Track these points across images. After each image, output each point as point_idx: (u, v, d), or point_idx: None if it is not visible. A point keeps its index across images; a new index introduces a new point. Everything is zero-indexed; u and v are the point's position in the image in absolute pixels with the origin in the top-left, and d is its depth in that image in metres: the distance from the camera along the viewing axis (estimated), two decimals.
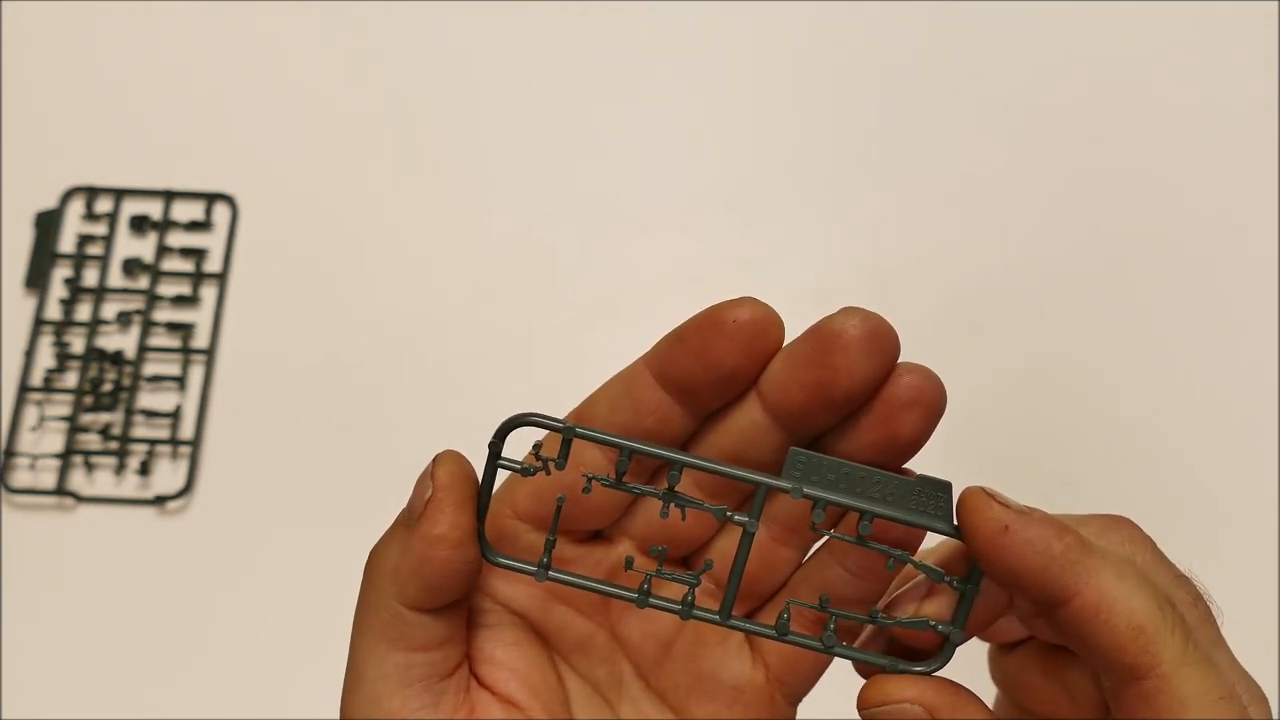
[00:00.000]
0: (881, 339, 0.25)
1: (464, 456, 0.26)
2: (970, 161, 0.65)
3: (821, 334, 0.25)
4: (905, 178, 0.65)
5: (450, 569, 0.25)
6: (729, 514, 0.26)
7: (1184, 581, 0.26)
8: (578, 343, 0.60)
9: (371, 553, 0.27)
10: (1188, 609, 0.25)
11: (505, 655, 0.28)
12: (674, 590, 0.28)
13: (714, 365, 0.26)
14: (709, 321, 0.26)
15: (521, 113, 0.66)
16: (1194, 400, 0.60)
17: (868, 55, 0.68)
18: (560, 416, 0.27)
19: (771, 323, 0.26)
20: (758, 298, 0.26)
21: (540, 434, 0.26)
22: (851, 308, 0.25)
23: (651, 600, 0.26)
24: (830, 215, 0.64)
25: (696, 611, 0.27)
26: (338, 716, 0.27)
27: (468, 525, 0.26)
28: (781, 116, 0.67)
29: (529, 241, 0.63)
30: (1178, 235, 0.63)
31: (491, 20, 0.68)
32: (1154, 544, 0.27)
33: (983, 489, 0.25)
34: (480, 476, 0.27)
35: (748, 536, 0.26)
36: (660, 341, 0.27)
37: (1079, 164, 0.65)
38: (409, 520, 0.26)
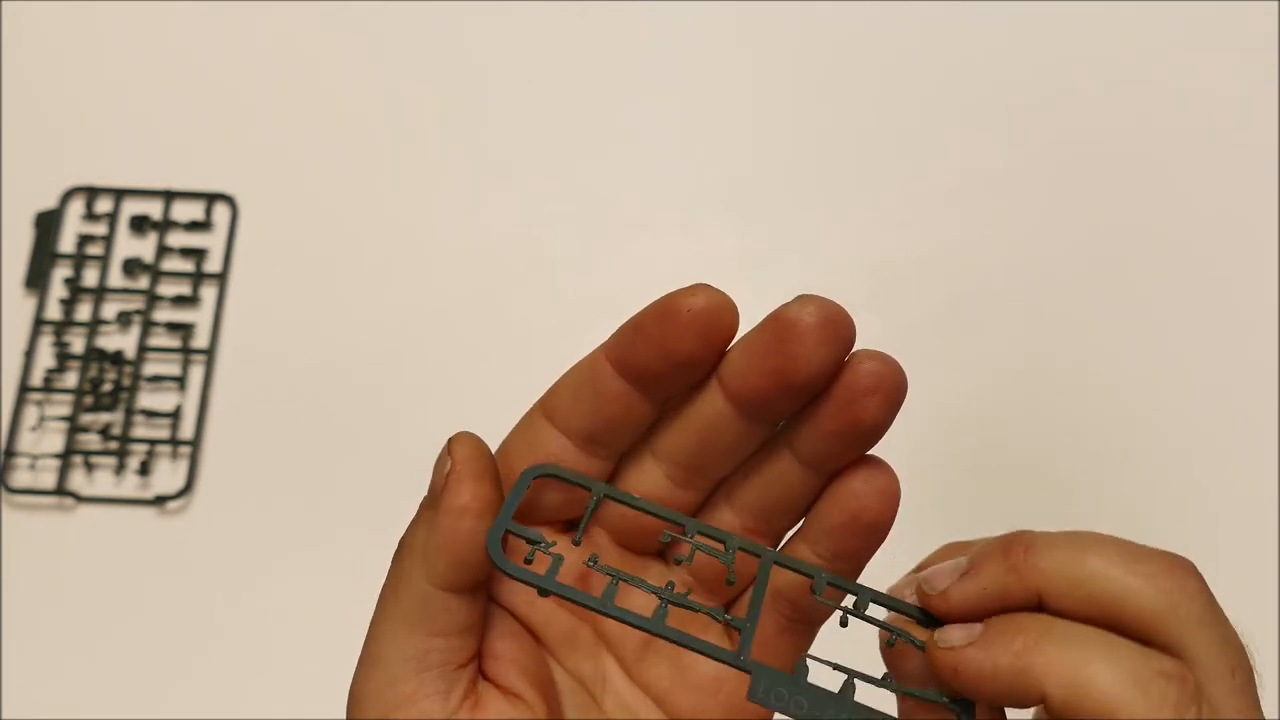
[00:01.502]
0: (837, 325, 0.25)
1: (478, 436, 0.27)
2: (970, 161, 0.65)
3: (778, 322, 0.25)
4: (905, 178, 0.65)
5: (477, 540, 0.26)
6: (726, 617, 0.26)
7: (1227, 647, 0.24)
8: (578, 343, 0.59)
9: (400, 541, 0.27)
10: (1218, 678, 0.23)
11: (505, 647, 0.28)
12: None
13: (671, 353, 0.26)
14: (664, 310, 0.26)
15: (521, 113, 0.66)
16: (1194, 400, 0.60)
17: (867, 55, 0.68)
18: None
19: (726, 309, 0.26)
20: (712, 285, 0.26)
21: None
22: (807, 295, 0.25)
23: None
24: (830, 215, 0.64)
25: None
26: (344, 710, 0.27)
27: (489, 495, 0.26)
28: (781, 116, 0.67)
29: (529, 241, 0.63)
30: (1178, 235, 0.63)
31: (491, 20, 0.68)
32: (1209, 597, 0.24)
33: (920, 584, 0.25)
34: (504, 494, 0.27)
35: (750, 630, 0.26)
36: (617, 331, 0.27)
37: (1079, 163, 0.65)
38: (432, 501, 0.26)
